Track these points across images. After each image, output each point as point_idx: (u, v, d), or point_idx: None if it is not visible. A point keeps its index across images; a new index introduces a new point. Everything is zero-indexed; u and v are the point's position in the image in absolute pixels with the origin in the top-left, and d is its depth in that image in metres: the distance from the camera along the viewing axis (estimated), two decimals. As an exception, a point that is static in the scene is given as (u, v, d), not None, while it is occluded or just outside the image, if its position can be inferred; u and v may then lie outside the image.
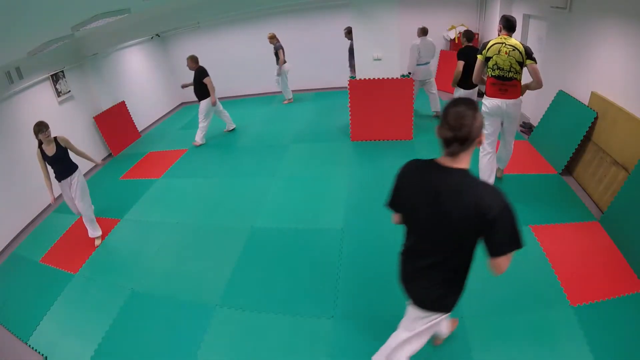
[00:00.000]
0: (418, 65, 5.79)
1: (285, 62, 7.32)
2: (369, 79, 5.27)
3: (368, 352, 2.47)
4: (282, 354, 2.53)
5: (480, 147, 3.61)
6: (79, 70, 5.99)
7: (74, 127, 5.74)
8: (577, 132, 4.03)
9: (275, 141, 6.09)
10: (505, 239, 1.38)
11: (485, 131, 3.55)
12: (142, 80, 7.82)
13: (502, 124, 3.66)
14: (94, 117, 6.18)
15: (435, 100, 6.07)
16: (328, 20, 7.70)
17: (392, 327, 2.60)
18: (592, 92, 3.97)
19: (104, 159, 6.32)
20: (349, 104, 5.47)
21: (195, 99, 6.18)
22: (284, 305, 2.91)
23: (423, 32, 5.73)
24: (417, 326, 1.74)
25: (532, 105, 5.31)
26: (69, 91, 5.71)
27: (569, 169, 4.22)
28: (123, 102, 6.93)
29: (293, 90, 8.08)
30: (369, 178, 4.56)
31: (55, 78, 5.44)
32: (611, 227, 3.21)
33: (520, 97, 3.44)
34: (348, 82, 5.35)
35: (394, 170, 1.66)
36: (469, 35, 4.96)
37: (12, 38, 3.11)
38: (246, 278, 3.24)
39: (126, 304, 3.12)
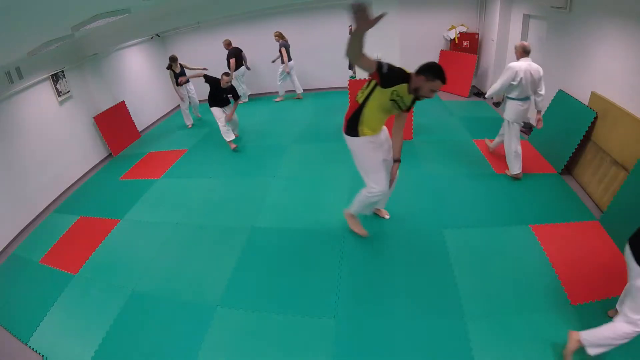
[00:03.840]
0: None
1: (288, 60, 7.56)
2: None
3: (370, 352, 2.48)
4: (283, 354, 2.53)
5: None
6: (79, 70, 5.99)
7: (74, 127, 5.74)
8: (577, 132, 4.03)
9: (275, 141, 6.09)
10: None
11: None
12: (142, 80, 7.82)
13: None
14: (94, 117, 6.17)
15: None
16: (328, 20, 7.70)
17: (392, 326, 2.62)
18: (592, 92, 3.97)
19: (103, 159, 6.32)
20: (349, 104, 5.46)
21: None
22: (285, 305, 2.91)
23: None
24: None
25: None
26: (69, 91, 5.70)
27: (568, 169, 4.23)
28: (123, 102, 6.93)
29: (293, 90, 8.09)
30: (369, 178, 4.55)
31: (55, 78, 5.43)
32: (611, 227, 3.22)
33: None
34: (348, 82, 5.34)
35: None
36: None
37: (12, 38, 3.11)
38: (246, 278, 3.24)
39: (126, 304, 3.12)
